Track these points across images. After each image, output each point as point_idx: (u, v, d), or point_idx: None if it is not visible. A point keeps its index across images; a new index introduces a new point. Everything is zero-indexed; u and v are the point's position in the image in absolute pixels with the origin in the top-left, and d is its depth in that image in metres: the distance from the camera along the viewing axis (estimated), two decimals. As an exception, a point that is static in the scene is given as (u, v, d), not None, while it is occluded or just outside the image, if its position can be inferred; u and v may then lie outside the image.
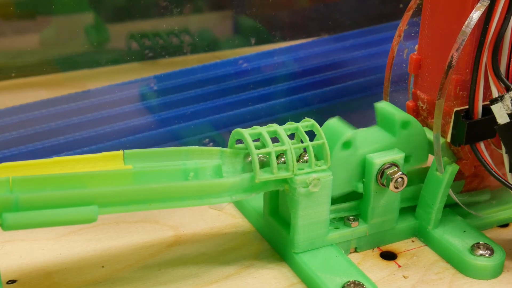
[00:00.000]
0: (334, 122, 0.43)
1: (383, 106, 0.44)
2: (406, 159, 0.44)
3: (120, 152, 0.40)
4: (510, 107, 0.39)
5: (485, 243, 0.43)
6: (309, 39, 0.68)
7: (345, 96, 0.60)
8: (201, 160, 0.41)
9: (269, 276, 0.43)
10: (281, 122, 0.43)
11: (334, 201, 0.43)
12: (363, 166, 0.43)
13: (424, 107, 0.45)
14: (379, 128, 0.45)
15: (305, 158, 0.41)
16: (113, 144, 0.52)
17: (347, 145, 0.42)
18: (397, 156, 0.43)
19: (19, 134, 0.53)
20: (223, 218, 0.49)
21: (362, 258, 0.44)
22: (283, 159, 0.41)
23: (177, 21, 0.63)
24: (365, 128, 0.44)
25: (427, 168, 0.45)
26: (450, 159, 0.44)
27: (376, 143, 0.43)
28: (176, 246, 0.45)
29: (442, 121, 0.42)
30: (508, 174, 0.42)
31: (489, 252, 0.43)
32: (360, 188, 0.43)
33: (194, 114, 0.56)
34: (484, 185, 0.48)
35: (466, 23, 0.39)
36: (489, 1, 0.39)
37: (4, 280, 0.41)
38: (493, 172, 0.42)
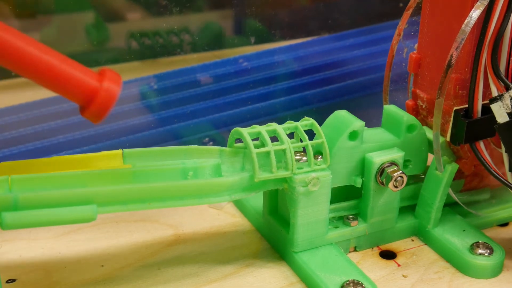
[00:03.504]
0: (343, 113, 0.43)
1: (391, 109, 0.44)
2: (405, 164, 0.44)
3: (120, 151, 0.40)
4: (510, 106, 0.39)
5: (484, 242, 0.43)
6: (309, 38, 0.68)
7: (345, 95, 0.60)
8: (200, 159, 0.41)
9: (269, 275, 0.43)
10: (281, 121, 0.43)
11: (334, 199, 0.43)
12: (364, 162, 0.43)
13: (423, 106, 0.45)
14: (383, 129, 0.45)
15: (297, 157, 0.41)
16: (113, 143, 0.52)
17: (354, 135, 0.42)
18: (397, 155, 0.43)
19: (18, 133, 0.53)
20: (222, 217, 0.49)
21: (361, 257, 0.44)
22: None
23: (176, 20, 0.63)
24: (370, 128, 0.44)
25: (427, 167, 0.45)
26: (449, 158, 0.44)
27: (380, 141, 0.43)
28: (175, 245, 0.45)
29: (441, 120, 0.42)
30: (508, 173, 0.42)
31: (488, 251, 0.43)
32: (358, 183, 0.43)
33: (193, 113, 0.56)
34: (484, 184, 0.48)
35: (465, 22, 0.39)
36: (488, 0, 0.38)
37: (4, 279, 0.41)
38: (493, 171, 0.42)
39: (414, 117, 0.44)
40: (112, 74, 0.35)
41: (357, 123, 0.42)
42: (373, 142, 0.43)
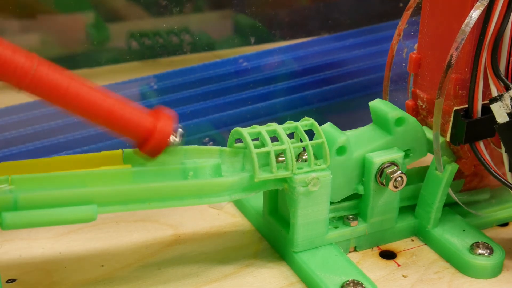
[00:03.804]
0: (325, 129, 0.42)
1: (376, 105, 0.44)
2: (406, 155, 0.44)
3: (120, 151, 0.40)
4: (510, 106, 0.39)
5: (484, 242, 0.43)
6: (309, 38, 0.68)
7: (345, 95, 0.60)
8: (200, 159, 0.41)
9: (269, 275, 0.43)
10: (281, 121, 0.43)
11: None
12: (362, 168, 0.43)
13: (423, 106, 0.45)
14: (374, 126, 0.44)
15: (304, 157, 0.41)
16: (113, 143, 0.52)
17: (341, 150, 0.42)
18: (397, 155, 0.43)
19: (19, 133, 0.53)
20: (222, 217, 0.49)
21: (361, 257, 0.44)
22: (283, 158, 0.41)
23: (176, 20, 0.63)
24: (359, 128, 0.44)
25: (426, 167, 0.45)
26: (449, 158, 0.44)
27: (371, 143, 0.43)
28: (175, 245, 0.45)
29: (441, 120, 0.42)
30: (508, 173, 0.42)
31: (488, 251, 0.43)
32: (360, 190, 0.43)
33: (194, 113, 0.56)
34: (484, 184, 0.48)
35: (465, 22, 0.39)
36: (488, 0, 0.38)
37: (4, 279, 0.41)
38: (493, 171, 0.42)
39: (399, 110, 0.43)
40: (165, 114, 0.38)
41: (341, 138, 0.41)
42: (366, 146, 0.43)
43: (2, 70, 0.32)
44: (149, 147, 0.37)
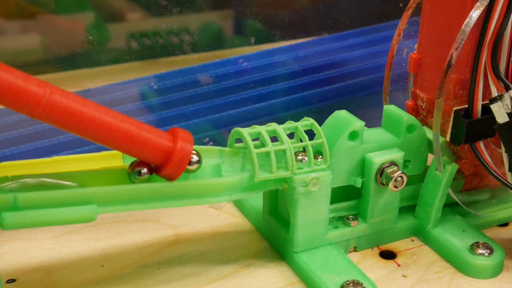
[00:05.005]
0: (343, 113, 0.43)
1: (391, 109, 0.45)
2: (405, 164, 0.44)
3: (120, 151, 0.40)
4: (510, 106, 0.39)
5: (484, 242, 0.43)
6: (309, 38, 0.68)
7: (345, 95, 0.60)
8: (200, 159, 0.41)
9: (269, 275, 0.43)
10: (281, 121, 0.43)
11: (334, 199, 0.43)
12: (364, 162, 0.43)
13: (423, 106, 0.45)
14: (383, 129, 0.45)
15: (304, 157, 0.41)
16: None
17: (354, 135, 0.42)
18: (397, 155, 0.43)
19: (19, 134, 0.53)
20: (222, 217, 0.49)
21: (361, 257, 0.44)
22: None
23: (177, 20, 0.63)
24: (370, 128, 0.44)
25: (426, 167, 0.45)
26: (449, 158, 0.44)
27: (380, 141, 0.43)
28: (175, 245, 0.45)
29: (441, 120, 0.42)
30: (508, 173, 0.42)
31: (488, 251, 0.43)
32: (358, 183, 0.43)
33: (194, 113, 0.56)
34: (484, 184, 0.48)
35: (465, 22, 0.39)
36: (488, 0, 0.39)
37: (4, 279, 0.41)
38: (493, 172, 0.42)
39: (414, 117, 0.44)
40: (183, 133, 0.37)
41: (357, 123, 0.42)
42: (373, 142, 0.43)
43: (15, 99, 0.32)
44: (168, 168, 0.37)
